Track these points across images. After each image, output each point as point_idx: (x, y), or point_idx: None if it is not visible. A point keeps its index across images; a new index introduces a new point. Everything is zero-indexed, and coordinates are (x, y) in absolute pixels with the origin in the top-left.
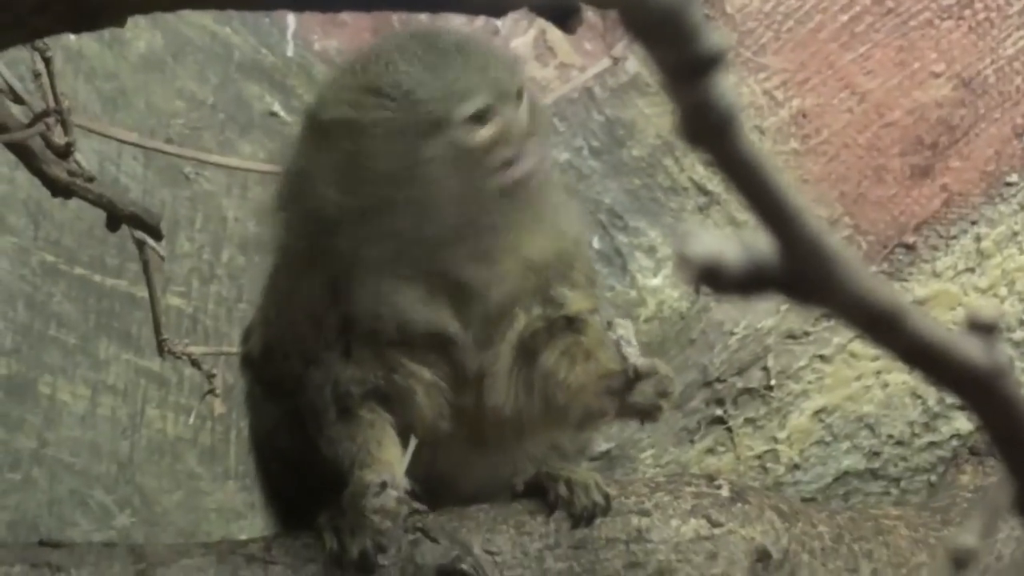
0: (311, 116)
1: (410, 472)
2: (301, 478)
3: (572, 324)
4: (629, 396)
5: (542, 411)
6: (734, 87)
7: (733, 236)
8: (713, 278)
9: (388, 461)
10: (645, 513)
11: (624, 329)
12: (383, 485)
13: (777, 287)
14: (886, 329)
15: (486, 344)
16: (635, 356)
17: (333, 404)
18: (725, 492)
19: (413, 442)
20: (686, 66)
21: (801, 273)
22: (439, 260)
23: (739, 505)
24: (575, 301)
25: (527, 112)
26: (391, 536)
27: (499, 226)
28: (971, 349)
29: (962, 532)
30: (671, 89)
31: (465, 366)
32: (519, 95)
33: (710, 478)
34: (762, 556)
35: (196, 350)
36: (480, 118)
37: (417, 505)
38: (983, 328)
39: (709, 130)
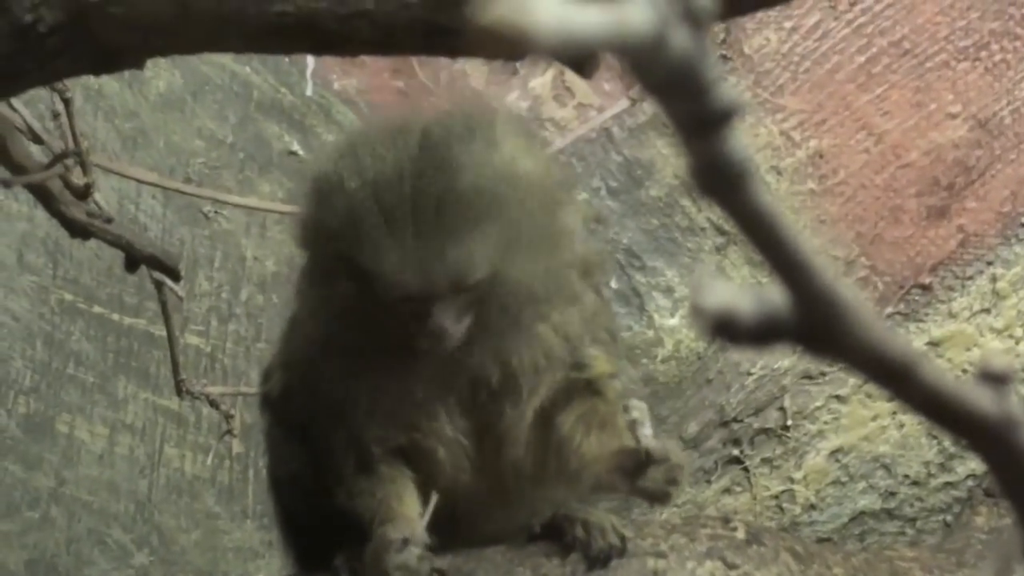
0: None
1: (429, 520)
2: (319, 519)
3: (591, 386)
4: (640, 480)
5: (555, 473)
6: (747, 140)
7: (747, 287)
8: (727, 329)
9: (409, 516)
10: (661, 555)
11: (639, 412)
12: (404, 542)
13: (790, 338)
14: (898, 380)
15: (504, 401)
16: (648, 439)
17: (354, 458)
18: (740, 534)
19: (435, 498)
20: (699, 120)
21: (814, 324)
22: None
23: (754, 547)
24: (598, 363)
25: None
26: None
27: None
28: (982, 399)
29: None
30: (684, 142)
31: (486, 431)
32: (456, 291)
33: (725, 520)
34: None
35: (214, 390)
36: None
37: (438, 564)
38: (995, 378)
39: (722, 183)
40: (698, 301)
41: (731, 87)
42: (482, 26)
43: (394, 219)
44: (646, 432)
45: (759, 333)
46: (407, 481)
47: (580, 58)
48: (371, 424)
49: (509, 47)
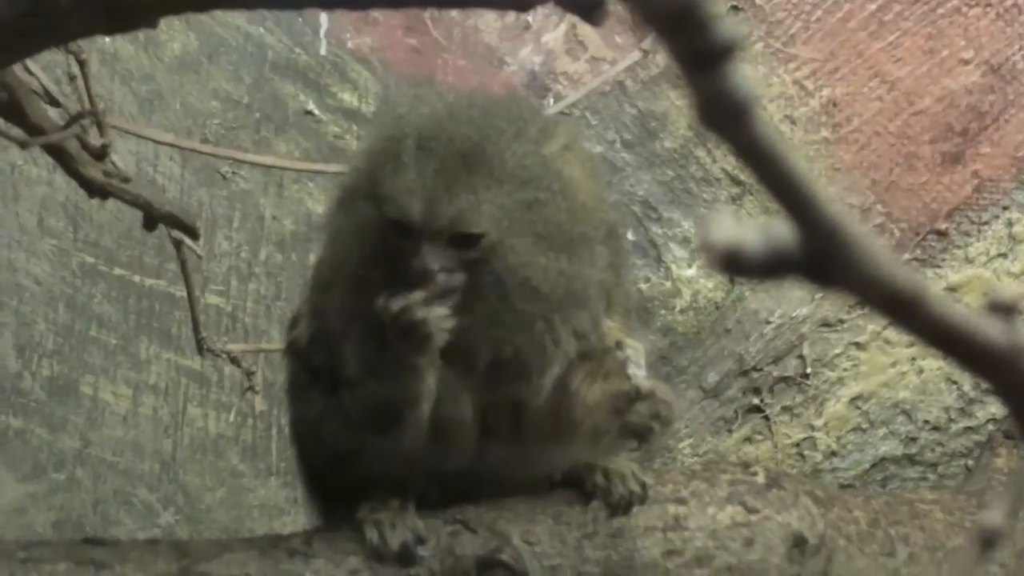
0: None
1: (450, 467)
2: (343, 468)
3: (600, 354)
4: (627, 415)
5: (565, 426)
6: (750, 74)
7: (755, 222)
8: (735, 263)
9: None
10: (682, 501)
11: (632, 350)
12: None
13: (797, 271)
14: (907, 311)
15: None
16: (639, 378)
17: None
18: (761, 479)
19: None
20: (702, 55)
21: (821, 257)
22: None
23: (775, 491)
24: (612, 333)
25: (452, 259)
26: (430, 528)
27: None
28: (992, 330)
29: (988, 513)
30: (688, 78)
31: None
32: (454, 240)
33: (745, 465)
34: (798, 542)
35: (235, 348)
36: (403, 230)
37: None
38: (1004, 309)
39: (726, 117)
40: (707, 237)
41: (732, 22)
42: None
43: (423, 155)
44: (636, 370)
45: (767, 266)
46: None
47: (589, 4)
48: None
49: None
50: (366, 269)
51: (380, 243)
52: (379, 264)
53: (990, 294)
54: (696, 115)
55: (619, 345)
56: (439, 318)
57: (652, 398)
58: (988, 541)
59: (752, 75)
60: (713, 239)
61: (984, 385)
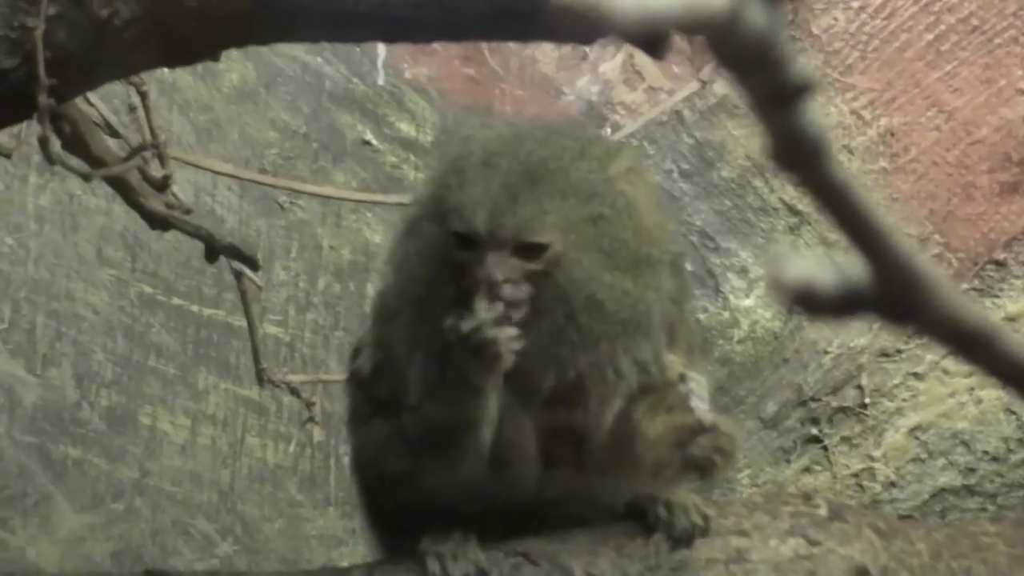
0: None
1: (512, 497)
2: (404, 499)
3: (662, 388)
4: (689, 448)
5: (625, 460)
6: (823, 112)
7: (825, 259)
8: (807, 301)
9: None
10: (744, 533)
11: (696, 383)
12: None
13: (870, 309)
14: (977, 348)
15: (583, 407)
16: (702, 411)
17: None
18: (823, 511)
19: None
20: (776, 94)
21: (893, 295)
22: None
23: (837, 524)
24: (674, 367)
25: (517, 271)
26: (492, 560)
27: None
28: None
29: None
30: (761, 116)
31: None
32: (519, 250)
33: (807, 497)
34: (861, 574)
35: (295, 378)
36: (466, 242)
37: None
38: None
39: (800, 156)
40: (778, 274)
41: (806, 62)
42: (559, 5)
43: (488, 170)
44: (699, 403)
45: (839, 304)
46: None
47: (653, 39)
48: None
49: (586, 27)
50: (432, 290)
51: (446, 262)
52: (445, 284)
53: None
54: (769, 154)
55: (682, 378)
56: (509, 338)
57: (715, 431)
58: None
59: (822, 112)
60: (785, 277)
61: None
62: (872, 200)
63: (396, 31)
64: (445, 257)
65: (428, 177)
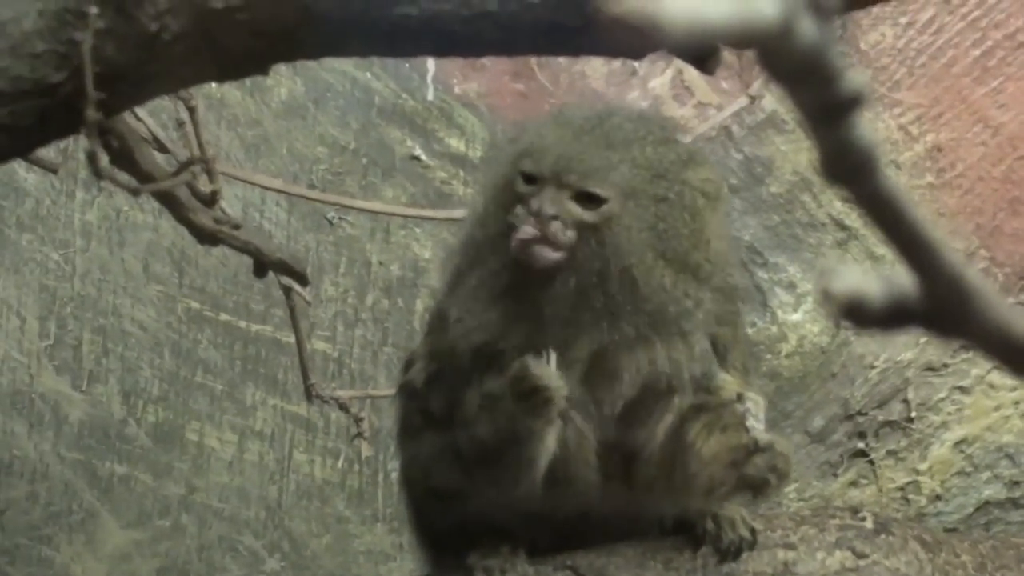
0: None
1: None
2: (453, 513)
3: (717, 408)
4: (743, 468)
5: (679, 478)
6: (872, 126)
7: (874, 272)
8: (856, 314)
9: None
10: (791, 547)
11: (752, 403)
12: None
13: (918, 322)
14: None
15: (635, 422)
16: (758, 430)
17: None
18: (869, 524)
19: (552, 355)
20: (827, 107)
21: (941, 307)
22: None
23: (883, 536)
24: (728, 387)
25: (574, 210)
26: (541, 574)
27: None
28: None
29: None
30: (812, 129)
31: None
32: (579, 196)
33: (854, 510)
34: None
35: (343, 394)
36: (530, 178)
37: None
38: None
39: (850, 169)
40: (827, 286)
41: (857, 75)
42: (611, 18)
43: (569, 124)
44: (755, 423)
45: (888, 317)
46: None
47: (703, 53)
48: (495, 374)
49: (638, 39)
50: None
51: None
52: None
53: None
54: (820, 167)
55: (740, 398)
56: (559, 386)
57: (771, 451)
58: None
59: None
60: (834, 289)
61: None
62: (921, 214)
63: (446, 46)
64: (506, 198)
65: (495, 170)
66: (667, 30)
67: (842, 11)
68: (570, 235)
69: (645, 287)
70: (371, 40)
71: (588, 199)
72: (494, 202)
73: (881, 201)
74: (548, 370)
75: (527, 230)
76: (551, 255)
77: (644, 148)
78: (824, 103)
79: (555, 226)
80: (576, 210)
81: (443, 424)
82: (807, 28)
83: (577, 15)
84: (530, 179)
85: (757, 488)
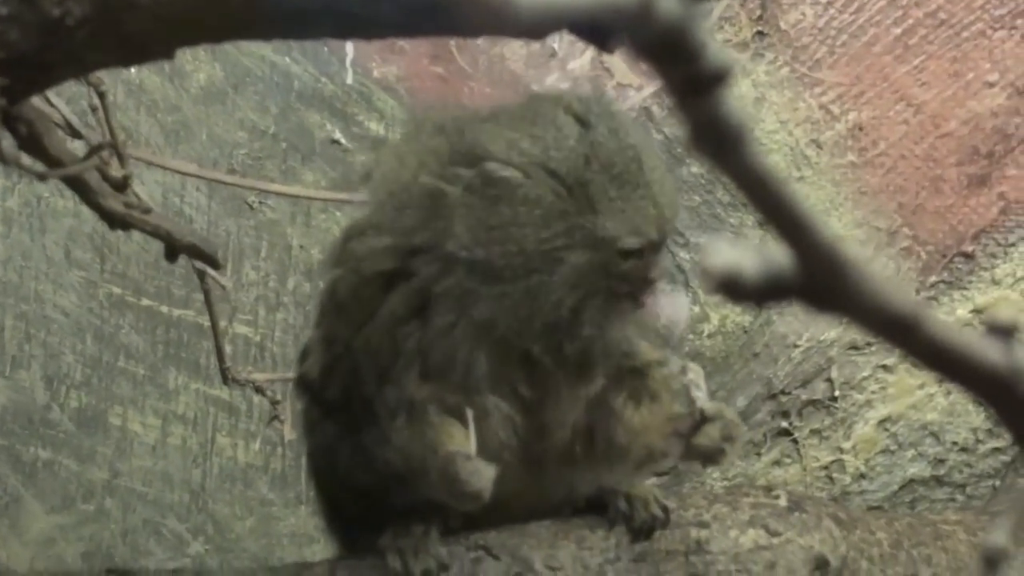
0: (475, 155)
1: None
2: (361, 498)
3: (639, 371)
4: (694, 439)
5: (604, 451)
6: (741, 101)
7: (750, 247)
8: (733, 288)
9: (460, 446)
10: (704, 525)
11: (695, 374)
12: (467, 456)
13: (795, 296)
14: (904, 333)
15: (554, 394)
16: (703, 400)
17: (404, 415)
18: (783, 502)
19: (471, 415)
20: (693, 83)
21: (816, 281)
22: (524, 337)
23: (797, 514)
24: (646, 353)
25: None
26: (453, 554)
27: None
28: (990, 352)
29: (993, 533)
30: (680, 105)
31: (536, 413)
32: (665, 240)
33: (768, 489)
34: (820, 564)
35: (259, 377)
36: (635, 253)
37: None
38: (1002, 331)
39: (719, 144)
40: (705, 262)
41: (722, 50)
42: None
43: (632, 177)
44: (701, 393)
45: (765, 291)
46: (454, 423)
47: (603, 34)
48: (423, 385)
49: (492, 19)
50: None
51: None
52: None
53: (988, 315)
54: (689, 142)
55: (683, 371)
56: (486, 487)
57: (722, 419)
58: (993, 561)
59: (742, 102)
60: (711, 264)
61: None
62: (792, 187)
63: (348, 27)
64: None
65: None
66: (517, 10)
67: None
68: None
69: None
70: (273, 23)
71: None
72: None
73: (751, 176)
74: (476, 470)
75: (680, 302)
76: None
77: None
78: (690, 79)
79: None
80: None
81: (342, 411)
82: (668, 4)
83: None
84: (633, 252)
85: (711, 457)
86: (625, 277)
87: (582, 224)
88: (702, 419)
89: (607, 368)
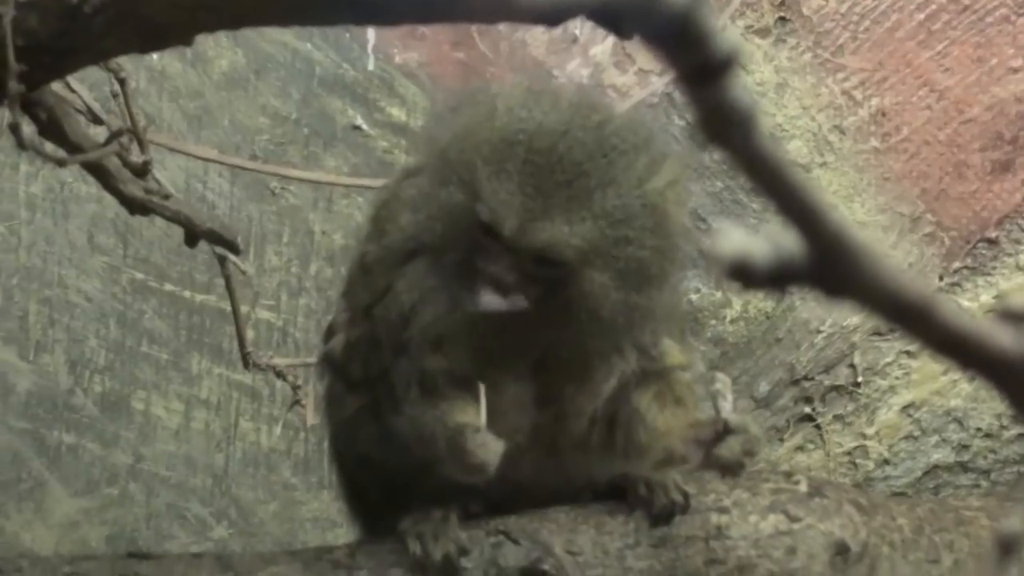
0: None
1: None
2: (382, 480)
3: (663, 373)
4: (716, 449)
5: (623, 447)
6: (748, 87)
7: (761, 233)
8: (743, 274)
9: (470, 418)
10: (724, 510)
11: (722, 384)
12: (477, 428)
13: (805, 282)
14: (916, 319)
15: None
16: (728, 411)
17: (417, 386)
18: (803, 487)
19: (482, 389)
20: (700, 70)
21: (827, 268)
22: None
23: (817, 500)
24: (671, 353)
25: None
26: (473, 539)
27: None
28: (1002, 338)
29: (1009, 519)
30: (687, 92)
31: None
32: (538, 259)
33: (788, 474)
34: (841, 549)
35: (281, 361)
36: (490, 232)
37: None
38: (1015, 317)
39: (727, 131)
40: (715, 248)
41: (730, 36)
42: None
43: (529, 169)
44: (727, 404)
45: (774, 277)
46: (468, 399)
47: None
48: (435, 356)
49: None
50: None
51: (463, 229)
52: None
53: (1001, 302)
54: (697, 128)
55: (711, 380)
56: (493, 460)
57: (745, 433)
58: (1008, 547)
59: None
60: (721, 250)
61: None
62: (801, 174)
63: (366, 13)
64: (464, 225)
65: (461, 131)
66: None
67: None
68: (533, 292)
69: (614, 317)
70: (290, 9)
71: (550, 264)
72: (452, 221)
73: (760, 162)
74: (484, 442)
75: (489, 301)
76: (511, 305)
77: (605, 195)
78: (697, 65)
79: (515, 293)
80: (538, 271)
81: (366, 390)
82: None
83: None
84: (490, 230)
85: (730, 469)
86: (479, 248)
87: (468, 165)
88: (726, 430)
89: (625, 366)
